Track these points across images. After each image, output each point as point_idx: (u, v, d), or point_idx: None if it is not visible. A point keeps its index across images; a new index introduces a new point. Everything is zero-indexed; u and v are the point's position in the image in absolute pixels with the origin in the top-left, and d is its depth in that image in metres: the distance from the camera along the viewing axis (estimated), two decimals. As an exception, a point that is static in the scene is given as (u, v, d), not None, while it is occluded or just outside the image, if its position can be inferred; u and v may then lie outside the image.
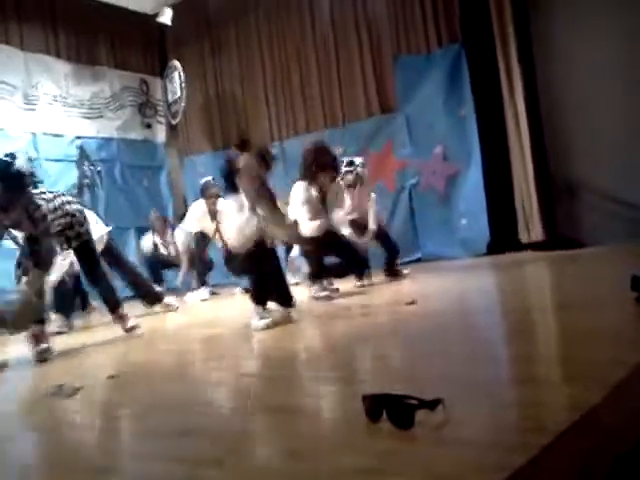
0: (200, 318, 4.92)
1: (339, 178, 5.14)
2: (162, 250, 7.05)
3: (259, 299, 3.60)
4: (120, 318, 3.97)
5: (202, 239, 6.38)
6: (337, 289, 4.74)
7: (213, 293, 6.55)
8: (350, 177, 5.40)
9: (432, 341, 2.51)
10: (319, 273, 4.66)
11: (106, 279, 4.14)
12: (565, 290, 3.65)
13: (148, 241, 7.16)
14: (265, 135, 8.28)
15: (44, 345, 3.32)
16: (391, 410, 1.38)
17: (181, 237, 6.98)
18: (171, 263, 7.01)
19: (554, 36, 6.64)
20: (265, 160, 3.76)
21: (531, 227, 6.50)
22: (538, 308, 3.17)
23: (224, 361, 2.79)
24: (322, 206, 4.74)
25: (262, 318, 3.45)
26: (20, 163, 3.35)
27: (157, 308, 5.24)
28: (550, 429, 1.22)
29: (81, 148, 7.97)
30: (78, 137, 7.97)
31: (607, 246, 5.71)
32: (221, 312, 5.23)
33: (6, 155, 3.27)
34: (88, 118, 8.19)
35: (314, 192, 4.70)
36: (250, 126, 8.48)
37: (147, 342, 3.77)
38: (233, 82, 8.73)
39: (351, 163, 5.48)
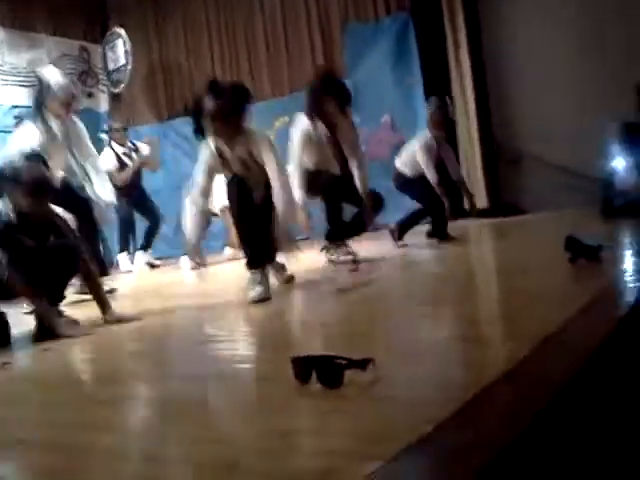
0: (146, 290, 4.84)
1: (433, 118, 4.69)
2: (127, 162, 6.44)
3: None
4: None
5: None
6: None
7: (152, 265, 6.42)
8: (440, 114, 4.75)
9: (372, 306, 2.52)
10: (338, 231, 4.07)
11: None
12: (506, 254, 3.72)
13: (109, 157, 6.37)
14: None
15: None
16: (320, 371, 1.38)
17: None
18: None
19: (501, 5, 6.68)
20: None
21: (476, 195, 6.59)
22: (479, 272, 3.22)
23: (156, 330, 2.75)
24: (330, 146, 4.08)
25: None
26: None
27: None
28: (476, 383, 1.24)
29: (19, 118, 7.65)
30: (15, 106, 7.65)
31: (549, 212, 5.84)
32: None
33: None
34: (25, 87, 7.87)
35: (320, 127, 4.03)
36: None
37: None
38: (178, 50, 8.51)
39: (441, 101, 4.84)
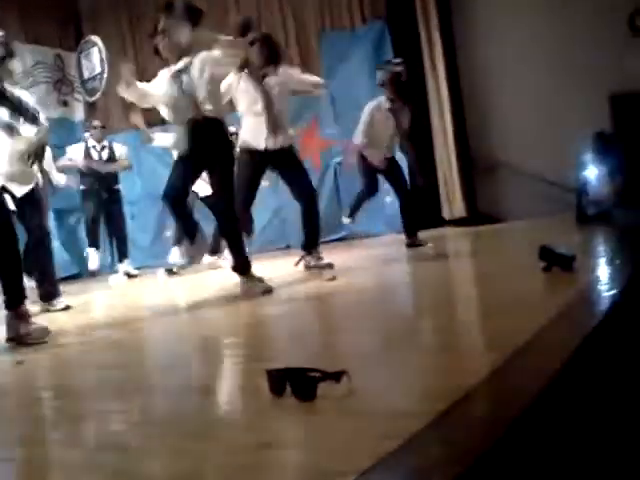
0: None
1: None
2: (94, 155, 6.41)
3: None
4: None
5: None
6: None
7: (130, 275, 6.35)
8: (386, 74, 4.76)
9: (348, 316, 2.51)
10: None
11: None
12: (481, 263, 3.74)
13: (78, 148, 6.44)
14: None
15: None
16: (294, 383, 1.36)
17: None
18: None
19: (476, 16, 6.76)
20: None
21: (453, 203, 6.65)
22: (454, 282, 3.24)
23: (133, 342, 2.72)
24: (261, 99, 4.02)
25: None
26: None
27: None
28: (451, 395, 1.23)
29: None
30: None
31: (524, 221, 5.90)
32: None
33: None
34: (-2, 95, 7.76)
35: (249, 78, 4.01)
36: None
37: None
38: (153, 56, 8.46)
39: (388, 62, 4.93)
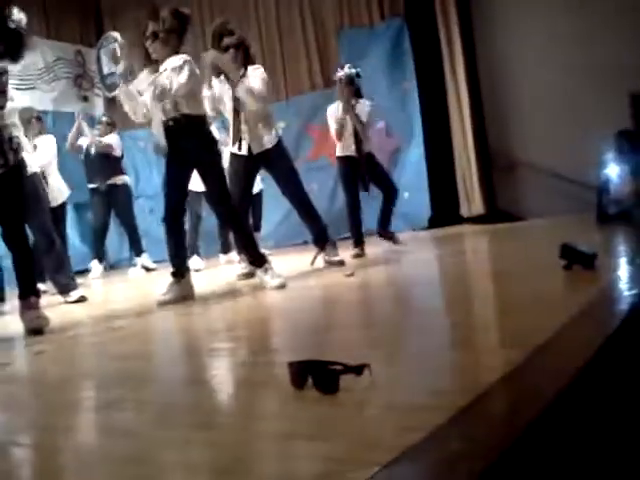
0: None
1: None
2: (91, 150, 6.44)
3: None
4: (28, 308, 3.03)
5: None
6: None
7: (148, 269, 6.41)
8: (341, 73, 4.84)
9: (365, 311, 2.51)
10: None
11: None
12: (501, 261, 3.72)
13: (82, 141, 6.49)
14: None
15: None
16: (316, 376, 1.37)
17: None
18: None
19: (495, 11, 6.71)
20: None
21: (472, 201, 6.62)
22: (473, 279, 3.22)
23: (148, 334, 2.74)
24: (232, 107, 4.05)
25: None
26: None
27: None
28: (471, 390, 1.23)
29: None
30: (7, 109, 7.62)
31: (544, 219, 5.86)
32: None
33: None
34: (20, 90, 7.84)
35: (226, 85, 4.06)
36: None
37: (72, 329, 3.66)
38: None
39: (343, 67, 4.97)
